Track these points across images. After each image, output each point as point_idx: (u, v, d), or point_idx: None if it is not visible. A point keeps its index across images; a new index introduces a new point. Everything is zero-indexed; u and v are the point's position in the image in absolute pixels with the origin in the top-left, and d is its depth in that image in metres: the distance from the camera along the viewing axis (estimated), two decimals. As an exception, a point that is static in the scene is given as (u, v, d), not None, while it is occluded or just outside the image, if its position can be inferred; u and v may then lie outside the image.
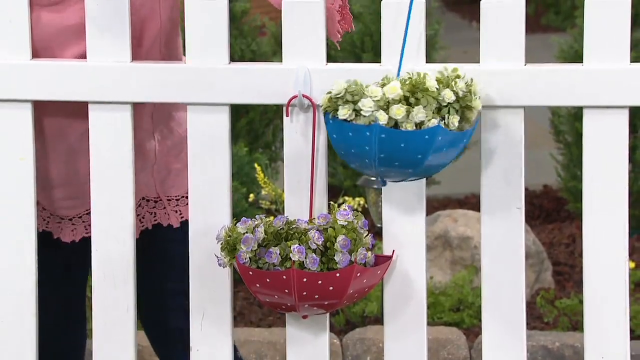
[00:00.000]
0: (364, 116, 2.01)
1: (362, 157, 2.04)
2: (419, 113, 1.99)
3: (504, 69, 2.22)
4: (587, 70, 2.23)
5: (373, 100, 2.01)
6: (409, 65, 2.22)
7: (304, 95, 2.23)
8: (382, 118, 1.99)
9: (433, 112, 2.01)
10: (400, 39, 2.20)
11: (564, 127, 4.36)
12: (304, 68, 2.22)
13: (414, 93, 2.02)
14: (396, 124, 2.01)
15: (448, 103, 2.02)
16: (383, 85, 2.05)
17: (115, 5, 2.21)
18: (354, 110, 2.03)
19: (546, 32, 7.29)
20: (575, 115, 4.27)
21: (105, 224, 2.29)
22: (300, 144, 2.24)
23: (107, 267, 2.30)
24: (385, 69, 2.22)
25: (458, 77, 2.08)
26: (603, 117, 2.23)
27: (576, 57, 4.19)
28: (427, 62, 2.22)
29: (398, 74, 2.11)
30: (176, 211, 2.44)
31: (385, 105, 2.01)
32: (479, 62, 2.23)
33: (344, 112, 2.04)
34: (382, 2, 2.21)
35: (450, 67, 2.09)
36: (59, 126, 2.35)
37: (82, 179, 2.36)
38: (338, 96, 2.06)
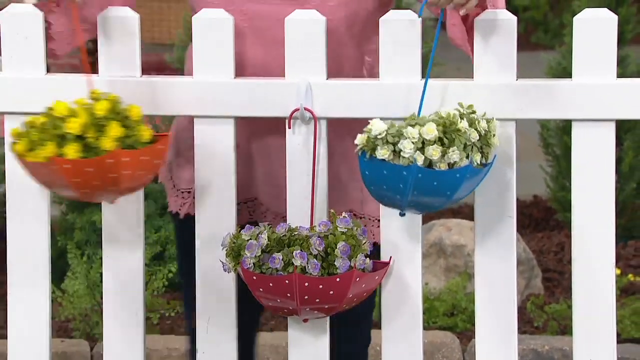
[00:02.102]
0: (404, 157, 2.05)
1: (394, 194, 2.07)
2: (454, 154, 2.03)
3: (496, 84, 2.23)
4: (576, 85, 2.23)
5: (412, 142, 2.04)
6: (404, 80, 2.23)
7: (305, 108, 2.23)
8: (420, 159, 2.03)
9: (461, 152, 2.05)
10: (397, 54, 2.21)
11: (552, 140, 4.36)
12: (305, 82, 2.23)
13: (445, 133, 2.05)
14: (430, 164, 2.04)
15: (473, 142, 2.06)
16: (415, 124, 2.06)
17: None
18: (393, 151, 2.06)
19: (535, 49, 7.30)
20: (563, 129, 4.28)
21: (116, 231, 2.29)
22: (302, 155, 2.24)
23: (118, 271, 2.30)
24: (382, 83, 2.23)
25: (473, 112, 2.10)
26: (591, 130, 2.24)
27: (564, 73, 4.19)
28: (421, 78, 2.23)
29: (420, 109, 2.14)
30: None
31: (421, 145, 2.04)
32: (472, 77, 2.23)
33: (383, 153, 2.07)
34: (380, 19, 2.22)
35: (466, 104, 2.11)
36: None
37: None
38: (379, 137, 2.08)
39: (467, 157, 2.05)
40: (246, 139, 2.30)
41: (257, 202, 2.33)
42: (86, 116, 2.04)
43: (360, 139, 2.09)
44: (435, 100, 2.21)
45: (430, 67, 2.14)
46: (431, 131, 2.03)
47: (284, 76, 2.23)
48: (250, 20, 2.25)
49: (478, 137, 2.07)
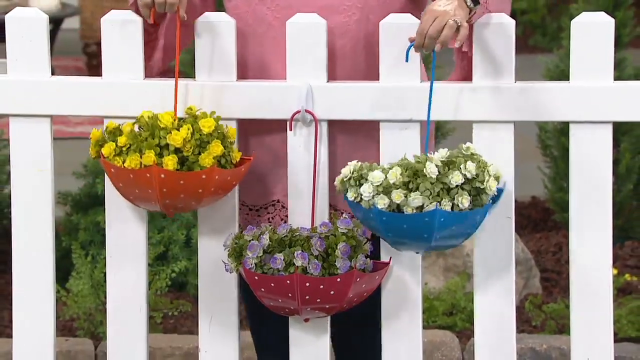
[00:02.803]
0: (364, 200, 2.06)
1: (377, 233, 2.10)
2: (415, 198, 2.03)
3: (495, 86, 2.23)
4: (574, 87, 2.23)
5: (373, 185, 2.04)
6: (404, 82, 2.23)
7: (306, 111, 2.23)
8: (381, 203, 2.03)
9: (434, 196, 2.03)
10: (397, 58, 2.21)
11: (550, 142, 4.36)
12: (306, 85, 2.23)
13: (416, 178, 2.05)
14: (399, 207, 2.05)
15: (456, 185, 2.04)
16: (389, 169, 2.07)
17: None
18: (359, 194, 2.07)
19: (533, 52, 7.29)
20: (561, 130, 4.28)
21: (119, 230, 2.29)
22: (303, 156, 2.24)
23: (121, 270, 2.30)
24: (382, 86, 2.23)
25: (472, 155, 2.08)
26: (588, 132, 2.24)
27: (562, 76, 4.19)
28: (421, 81, 2.23)
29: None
30: None
31: (388, 189, 2.04)
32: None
33: (351, 195, 2.09)
34: (380, 23, 2.22)
35: (466, 146, 2.10)
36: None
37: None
38: (345, 179, 2.10)
39: (440, 201, 2.02)
40: (268, 140, 2.27)
41: (278, 204, 2.30)
42: (189, 131, 2.08)
43: (336, 180, 2.12)
44: (435, 103, 2.21)
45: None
46: (394, 175, 2.04)
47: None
48: (282, 10, 2.22)
49: (463, 181, 2.04)
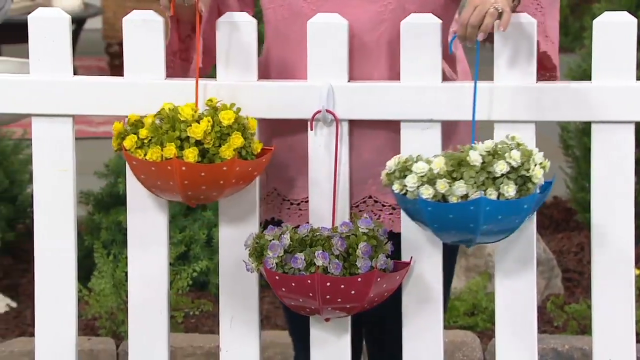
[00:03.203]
0: (410, 191, 2.06)
1: (425, 225, 2.10)
2: (460, 187, 2.02)
3: (516, 86, 2.22)
4: (595, 87, 2.22)
5: (417, 176, 2.05)
6: (425, 82, 2.22)
7: (327, 110, 2.23)
8: (426, 193, 2.03)
9: (479, 185, 2.03)
10: (418, 57, 2.20)
11: (572, 142, 4.34)
12: (327, 85, 2.23)
13: (460, 167, 2.05)
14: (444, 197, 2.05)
15: (502, 174, 2.04)
16: (433, 160, 2.07)
17: None
18: (404, 185, 2.08)
19: (556, 52, 7.26)
20: (583, 130, 4.26)
21: (139, 230, 2.30)
22: (324, 156, 2.24)
23: (143, 270, 2.31)
24: (404, 86, 2.22)
25: (519, 145, 2.08)
26: (610, 132, 2.23)
27: (584, 75, 4.17)
28: (442, 80, 2.22)
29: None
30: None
31: (432, 179, 2.05)
32: (492, 79, 2.23)
33: (396, 187, 2.09)
34: (401, 23, 2.21)
35: (511, 135, 2.10)
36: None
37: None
38: (389, 173, 2.11)
39: (485, 190, 2.02)
40: (300, 140, 2.26)
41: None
42: (209, 123, 2.09)
43: (382, 174, 2.12)
44: (456, 103, 2.20)
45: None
46: (438, 165, 2.04)
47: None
48: (318, 1, 2.21)
49: (508, 170, 2.04)
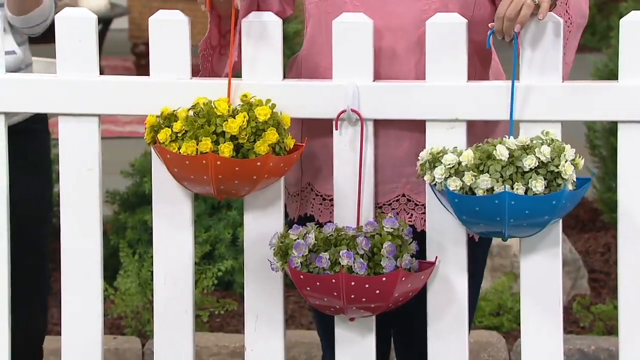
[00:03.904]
0: (438, 182, 2.07)
1: (455, 215, 2.11)
2: (485, 180, 2.02)
3: (542, 85, 2.21)
4: (622, 87, 2.21)
5: (445, 167, 2.06)
6: (450, 82, 2.22)
7: (352, 110, 2.23)
8: (453, 184, 2.04)
9: (506, 179, 2.03)
10: (444, 57, 2.20)
11: (599, 142, 4.33)
12: (352, 84, 2.23)
13: (487, 160, 2.05)
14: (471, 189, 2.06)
15: (531, 169, 2.03)
16: (462, 152, 2.08)
17: None
18: (434, 176, 2.09)
19: (582, 51, 7.23)
20: (610, 130, 4.24)
21: (165, 230, 2.31)
22: (349, 156, 2.24)
23: (168, 269, 2.32)
24: (429, 85, 2.22)
25: (553, 141, 2.07)
26: (637, 131, 2.22)
27: (611, 75, 4.15)
28: (467, 80, 2.22)
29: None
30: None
31: (460, 171, 2.06)
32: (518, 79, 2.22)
33: (427, 178, 2.11)
34: (426, 23, 2.21)
35: (545, 131, 2.10)
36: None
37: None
38: (420, 163, 2.12)
39: (513, 184, 2.02)
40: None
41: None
42: (245, 118, 2.10)
43: (418, 164, 2.14)
44: (482, 102, 2.20)
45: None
46: (467, 158, 2.05)
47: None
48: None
49: (537, 164, 2.03)
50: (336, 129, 2.24)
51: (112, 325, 3.63)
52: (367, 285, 2.12)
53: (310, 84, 2.25)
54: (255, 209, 2.28)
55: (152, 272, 2.56)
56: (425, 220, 2.25)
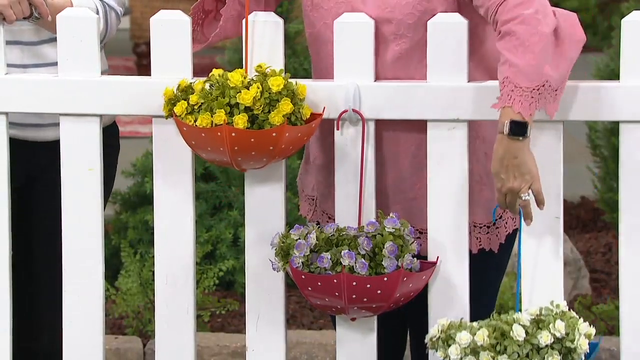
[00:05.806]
0: None
1: None
2: None
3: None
4: (624, 86, 2.21)
5: (460, 347, 2.04)
6: (452, 82, 2.22)
7: (354, 110, 2.23)
8: None
9: (523, 358, 2.01)
10: (445, 57, 2.20)
11: (600, 142, 4.33)
12: (354, 84, 2.23)
13: (504, 340, 2.04)
14: None
15: (546, 345, 2.03)
16: (477, 329, 2.05)
17: None
18: (448, 355, 2.06)
19: (584, 51, 7.23)
20: (611, 130, 4.24)
21: (166, 231, 2.31)
22: (350, 156, 2.24)
23: (169, 269, 2.32)
24: (429, 85, 2.22)
25: (564, 313, 2.06)
26: (638, 131, 2.22)
27: (612, 75, 4.15)
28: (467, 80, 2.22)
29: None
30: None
31: (476, 350, 2.04)
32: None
33: (440, 354, 2.08)
34: (428, 22, 2.21)
35: (556, 303, 2.09)
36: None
37: None
38: (433, 339, 2.09)
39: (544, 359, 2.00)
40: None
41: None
42: (259, 89, 2.10)
43: (427, 338, 2.10)
44: (481, 103, 2.20)
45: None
46: (481, 338, 2.03)
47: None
48: None
49: (552, 340, 2.02)
50: (337, 129, 2.24)
51: (114, 325, 3.63)
52: (368, 285, 2.12)
53: (311, 84, 2.25)
54: (256, 209, 2.28)
55: (153, 272, 2.56)
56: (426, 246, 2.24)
